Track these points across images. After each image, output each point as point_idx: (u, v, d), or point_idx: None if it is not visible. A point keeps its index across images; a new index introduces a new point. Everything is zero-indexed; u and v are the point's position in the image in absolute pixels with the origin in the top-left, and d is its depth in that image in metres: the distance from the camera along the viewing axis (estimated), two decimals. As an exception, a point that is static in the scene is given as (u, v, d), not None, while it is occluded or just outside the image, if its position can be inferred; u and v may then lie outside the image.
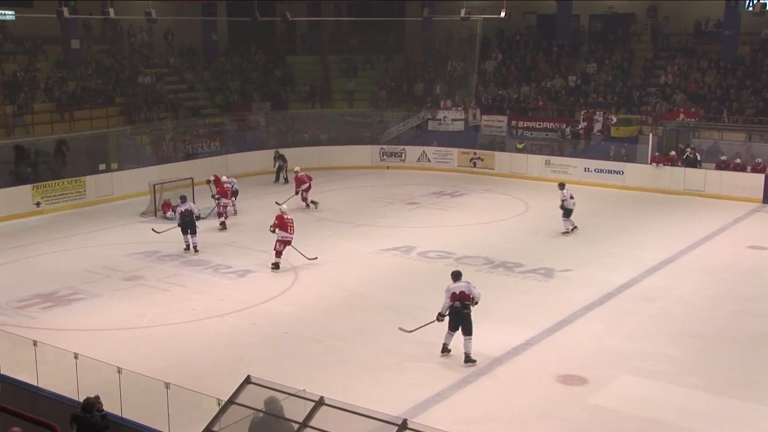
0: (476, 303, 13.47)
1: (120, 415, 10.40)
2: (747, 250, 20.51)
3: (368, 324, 15.40)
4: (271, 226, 19.32)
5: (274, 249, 18.92)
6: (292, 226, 19.13)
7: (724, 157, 27.46)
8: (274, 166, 29.88)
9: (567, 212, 22.14)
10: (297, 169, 25.97)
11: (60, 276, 18.46)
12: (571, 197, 22.14)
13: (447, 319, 13.54)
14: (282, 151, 30.54)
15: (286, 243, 19.00)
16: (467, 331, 13.32)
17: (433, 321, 13.68)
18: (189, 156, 30.10)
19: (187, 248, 20.57)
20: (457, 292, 13.32)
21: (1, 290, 17.40)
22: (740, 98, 30.30)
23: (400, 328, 14.28)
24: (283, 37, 39.44)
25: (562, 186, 22.34)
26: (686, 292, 17.21)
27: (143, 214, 24.67)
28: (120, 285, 17.84)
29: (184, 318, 15.77)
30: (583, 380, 12.87)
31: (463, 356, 13.40)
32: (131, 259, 19.87)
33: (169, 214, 24.05)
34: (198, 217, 21.14)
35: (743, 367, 13.51)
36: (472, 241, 21.43)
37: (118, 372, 10.74)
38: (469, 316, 13.34)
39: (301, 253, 19.24)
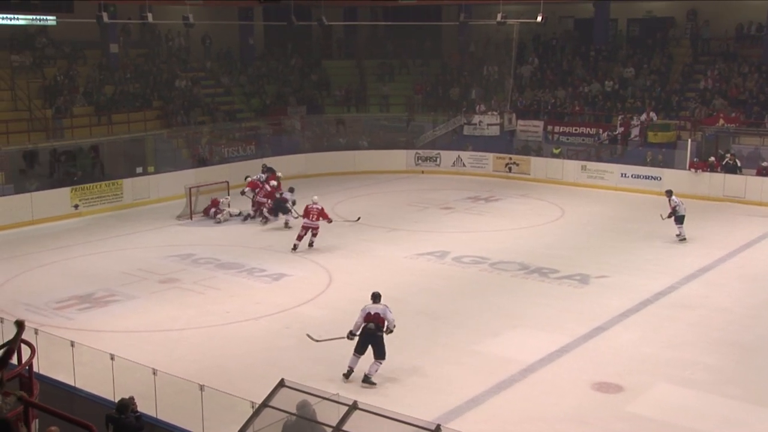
0: (390, 331, 12.88)
1: (155, 416, 10.51)
2: (788, 258, 20.19)
3: (402, 329, 15.29)
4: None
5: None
6: (315, 214, 20.75)
7: (765, 164, 27.04)
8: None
9: (679, 218, 21.72)
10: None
11: (97, 278, 18.69)
12: (681, 203, 21.90)
13: (356, 340, 12.97)
14: (322, 155, 30.02)
15: (306, 228, 20.85)
16: (379, 355, 12.79)
17: (343, 337, 13.09)
18: (225, 159, 30.31)
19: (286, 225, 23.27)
20: (372, 313, 12.81)
21: (39, 291, 17.67)
22: (782, 103, 29.84)
23: (308, 335, 13.83)
24: (319, 41, 39.61)
25: (670, 193, 22.15)
26: (725, 300, 16.97)
27: (179, 217, 24.89)
28: (156, 287, 18.02)
29: (218, 321, 15.88)
30: (619, 388, 12.74)
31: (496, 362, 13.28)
32: (167, 262, 20.06)
33: (224, 214, 24.50)
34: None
35: (783, 376, 13.30)
36: (507, 246, 21.33)
37: (153, 373, 10.87)
38: (382, 339, 12.80)
39: (346, 219, 22.52)
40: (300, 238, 20.89)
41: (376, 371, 12.83)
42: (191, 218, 24.68)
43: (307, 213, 20.94)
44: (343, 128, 34.71)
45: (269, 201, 24.37)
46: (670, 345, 14.52)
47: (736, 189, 26.47)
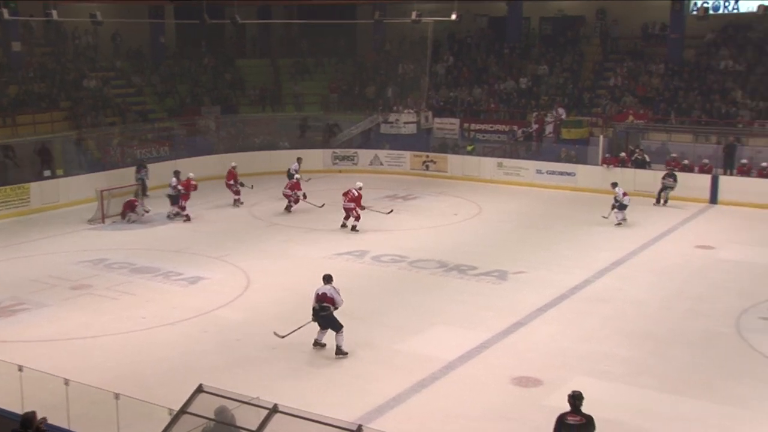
0: (336, 308, 13.91)
1: (67, 428, 10.19)
2: (696, 250, 20.87)
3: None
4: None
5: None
6: (347, 196, 22.83)
7: (674, 155, 27.97)
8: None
9: (622, 207, 23.09)
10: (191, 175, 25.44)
11: (4, 286, 18.02)
12: (625, 194, 23.10)
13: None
14: (238, 155, 29.91)
15: (346, 209, 22.86)
16: (334, 328, 13.87)
17: (307, 323, 14.04)
18: (137, 161, 29.68)
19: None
20: (320, 293, 13.92)
21: (-58, 301, 16.97)
22: (687, 100, 30.88)
23: (275, 333, 14.36)
24: (232, 40, 39.16)
25: (615, 185, 23.52)
26: (638, 293, 17.45)
27: (90, 221, 24.25)
28: (67, 294, 17.50)
29: (134, 327, 15.52)
30: (538, 382, 12.96)
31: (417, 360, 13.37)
32: (79, 268, 19.51)
33: (138, 210, 24.18)
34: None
35: (694, 365, 13.73)
36: (426, 244, 21.49)
37: (65, 384, 10.53)
38: (329, 316, 13.85)
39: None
40: (346, 218, 22.95)
41: (342, 341, 13.80)
42: (103, 222, 24.09)
43: (345, 194, 22.87)
44: (300, 132, 34.46)
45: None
46: (586, 338, 14.86)
47: (645, 183, 27.22)
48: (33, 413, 9.18)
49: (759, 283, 18.03)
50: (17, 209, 25.17)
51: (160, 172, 28.23)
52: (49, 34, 33.58)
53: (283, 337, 14.20)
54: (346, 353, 13.81)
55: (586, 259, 19.90)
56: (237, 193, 26.61)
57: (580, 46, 35.50)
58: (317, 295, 13.94)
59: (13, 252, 21.13)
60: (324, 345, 14.14)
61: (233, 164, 27.10)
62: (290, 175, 26.77)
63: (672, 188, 25.80)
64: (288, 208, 25.46)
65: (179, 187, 24.57)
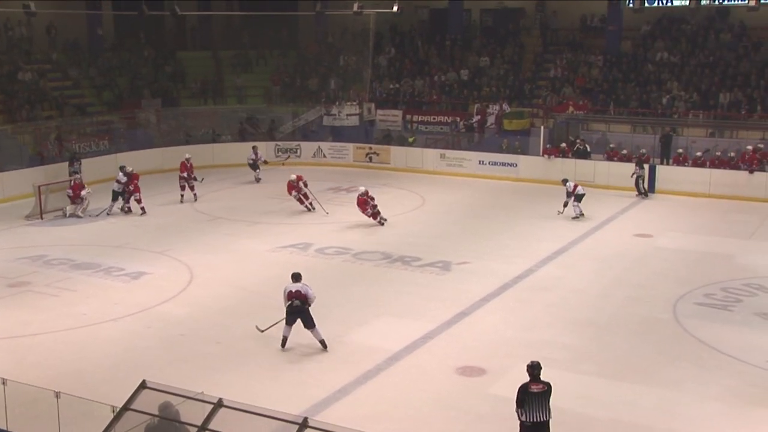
0: (310, 304, 13.88)
1: (6, 429, 10.00)
2: (634, 239, 21.30)
3: (268, 323, 15.24)
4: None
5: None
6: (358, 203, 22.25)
7: (612, 145, 28.47)
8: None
9: (578, 197, 23.23)
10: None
11: (-62, 284, 17.58)
12: (576, 186, 23.32)
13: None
14: (183, 148, 29.57)
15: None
16: (309, 325, 13.83)
17: (282, 319, 14.01)
18: (70, 155, 29.09)
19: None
20: (293, 291, 13.81)
21: None
22: (625, 91, 31.46)
23: (257, 327, 14.46)
24: (172, 32, 38.63)
25: (565, 181, 23.59)
26: (579, 281, 17.75)
27: (28, 216, 23.74)
28: (4, 292, 17.11)
29: (74, 324, 15.27)
30: (482, 371, 13.11)
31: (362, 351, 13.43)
32: (16, 265, 19.09)
33: (85, 193, 23.87)
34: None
35: (634, 351, 14.03)
36: (370, 236, 21.54)
37: (2, 383, 10.32)
38: (308, 311, 13.83)
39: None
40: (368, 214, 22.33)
41: (320, 335, 13.90)
42: (41, 218, 23.60)
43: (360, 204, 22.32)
44: (250, 126, 34.10)
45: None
46: (529, 327, 15.07)
47: (585, 173, 27.62)
48: None
49: (695, 271, 18.48)
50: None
51: (100, 167, 27.83)
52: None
53: (262, 331, 14.29)
54: (326, 346, 13.94)
55: (528, 249, 20.16)
56: (191, 188, 25.80)
57: (521, 38, 35.88)
58: (290, 293, 13.81)
59: (-52, 249, 20.59)
60: (286, 340, 14.03)
61: (187, 156, 26.36)
62: (253, 166, 27.44)
63: (643, 177, 26.16)
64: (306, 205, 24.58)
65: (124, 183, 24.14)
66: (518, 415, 10.13)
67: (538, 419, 10.02)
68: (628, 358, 13.76)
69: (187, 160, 26.15)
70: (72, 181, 24.65)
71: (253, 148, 28.78)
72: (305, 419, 7.90)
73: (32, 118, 29.93)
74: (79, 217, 23.67)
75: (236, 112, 34.84)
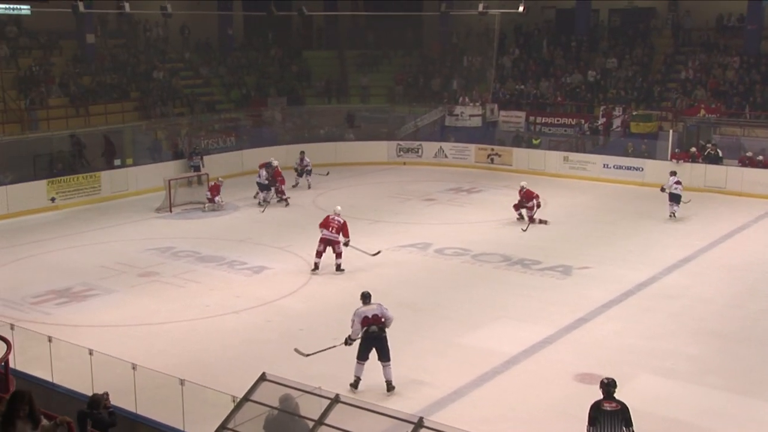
0: (388, 326, 12.41)
1: (134, 411, 10.44)
2: (769, 249, 20.36)
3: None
4: None
5: None
6: (335, 227, 18.26)
7: (749, 153, 27.25)
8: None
9: (673, 197, 23.00)
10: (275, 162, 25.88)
11: (75, 272, 18.53)
12: (678, 183, 23.08)
13: (357, 346, 12.50)
14: (304, 146, 30.20)
15: (324, 242, 18.33)
16: (385, 357, 12.31)
17: (336, 345, 12.73)
18: (204, 151, 30.18)
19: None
20: (370, 316, 12.26)
21: (16, 286, 17.51)
22: (764, 93, 30.04)
23: (296, 350, 13.09)
24: (299, 32, 39.45)
25: (673, 173, 23.53)
26: (707, 291, 17.09)
27: (158, 209, 24.75)
28: (135, 281, 17.90)
29: (198, 314, 15.81)
30: (601, 379, 12.77)
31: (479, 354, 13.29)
32: (146, 255, 19.94)
33: (218, 199, 24.80)
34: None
35: (764, 366, 13.40)
36: (490, 237, 21.38)
37: (133, 368, 10.79)
38: (386, 340, 12.31)
39: (364, 251, 18.81)
40: (319, 254, 18.28)
41: (391, 375, 12.33)
42: (170, 211, 24.55)
43: (326, 224, 18.43)
44: (352, 123, 34.50)
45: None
46: (652, 335, 14.61)
47: (716, 179, 26.63)
48: (104, 395, 9.44)
49: (835, 284, 17.50)
50: (89, 197, 25.83)
51: (226, 162, 28.79)
52: (122, 27, 34.31)
53: (306, 355, 12.94)
54: (394, 387, 12.37)
55: (652, 256, 19.55)
56: (281, 192, 25.49)
57: (651, 39, 34.81)
58: (367, 318, 12.22)
59: (85, 239, 21.69)
60: (359, 380, 12.42)
61: (275, 162, 25.83)
62: (300, 172, 27.23)
63: None
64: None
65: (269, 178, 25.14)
66: None
67: None
68: (758, 373, 13.15)
69: (276, 166, 25.65)
70: (211, 183, 25.46)
71: (301, 153, 27.88)
72: (420, 419, 7.89)
73: (165, 115, 31.19)
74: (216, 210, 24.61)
75: (360, 112, 35.23)
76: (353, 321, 12.41)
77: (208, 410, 9.96)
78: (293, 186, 27.29)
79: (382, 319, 12.31)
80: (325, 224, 18.37)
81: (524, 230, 22.02)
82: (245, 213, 24.59)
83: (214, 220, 23.75)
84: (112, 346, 13.25)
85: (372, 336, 12.24)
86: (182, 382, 10.16)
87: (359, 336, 12.38)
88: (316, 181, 27.76)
